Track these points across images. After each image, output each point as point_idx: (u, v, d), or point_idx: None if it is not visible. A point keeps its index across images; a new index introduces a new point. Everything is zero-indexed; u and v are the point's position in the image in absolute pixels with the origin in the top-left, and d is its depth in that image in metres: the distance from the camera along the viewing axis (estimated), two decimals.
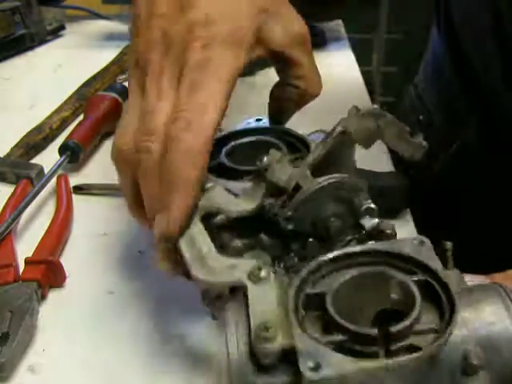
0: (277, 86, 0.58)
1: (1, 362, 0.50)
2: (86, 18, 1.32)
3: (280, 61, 0.55)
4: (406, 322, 0.34)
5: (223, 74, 0.47)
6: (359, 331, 0.34)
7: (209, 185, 0.47)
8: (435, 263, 0.39)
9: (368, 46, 2.00)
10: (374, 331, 0.34)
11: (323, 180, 0.45)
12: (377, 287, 0.38)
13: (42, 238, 0.64)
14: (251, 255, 0.47)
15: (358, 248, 0.41)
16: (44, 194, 0.73)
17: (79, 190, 0.75)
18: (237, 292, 0.40)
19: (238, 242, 0.47)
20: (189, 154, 0.44)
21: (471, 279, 0.42)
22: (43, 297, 0.59)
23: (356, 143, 0.49)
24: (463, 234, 0.83)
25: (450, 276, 0.38)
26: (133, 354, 0.54)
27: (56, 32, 1.22)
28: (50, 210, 0.71)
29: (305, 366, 0.33)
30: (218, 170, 0.53)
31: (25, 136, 0.83)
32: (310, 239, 0.46)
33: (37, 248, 0.63)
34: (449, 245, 0.40)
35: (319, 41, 1.17)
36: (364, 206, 0.46)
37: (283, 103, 0.57)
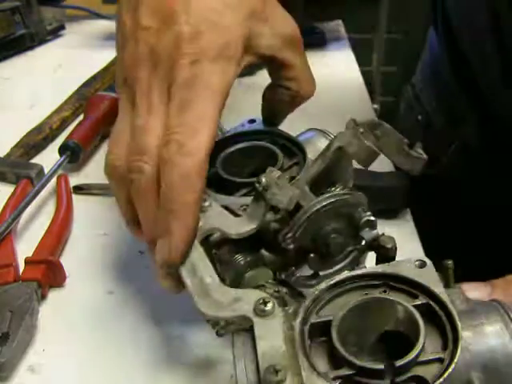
0: (269, 87, 0.57)
1: (1, 361, 0.50)
2: (86, 17, 1.32)
3: (271, 63, 0.54)
4: (411, 356, 0.34)
5: (213, 92, 0.46)
6: (366, 366, 0.35)
7: (206, 203, 0.47)
8: (437, 285, 0.38)
9: (368, 46, 2.00)
10: (381, 366, 0.34)
11: (323, 199, 0.44)
12: (380, 313, 0.39)
13: (42, 238, 0.64)
14: (254, 273, 0.46)
15: (359, 272, 0.41)
16: (44, 194, 0.73)
17: (79, 190, 0.75)
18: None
19: (240, 260, 0.46)
20: (186, 178, 0.44)
21: (471, 287, 0.42)
22: (43, 297, 0.59)
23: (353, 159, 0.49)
24: (463, 234, 0.84)
25: (452, 295, 0.38)
26: (133, 353, 0.54)
27: (56, 32, 1.22)
28: (50, 209, 0.71)
29: None
30: (214, 181, 0.52)
31: (25, 136, 0.83)
32: (311, 255, 0.46)
33: (37, 248, 0.63)
34: (450, 264, 0.40)
35: (319, 41, 1.17)
36: (364, 219, 0.46)
37: (276, 105, 0.57)
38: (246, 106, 0.93)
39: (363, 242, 0.47)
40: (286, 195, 0.44)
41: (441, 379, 0.34)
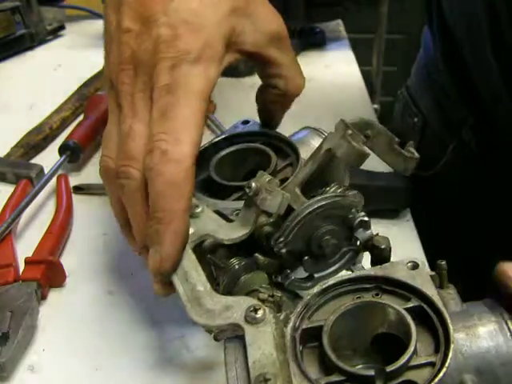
0: (260, 89, 0.57)
1: (1, 361, 0.50)
2: (86, 17, 1.32)
3: (257, 60, 0.54)
4: (402, 361, 0.34)
5: (194, 95, 0.46)
6: (356, 372, 0.35)
7: (199, 209, 0.47)
8: (429, 287, 0.38)
9: (368, 46, 2.00)
10: (371, 372, 0.34)
11: (314, 202, 0.44)
12: (372, 317, 0.39)
13: (42, 238, 0.64)
14: (249, 277, 0.46)
15: (351, 275, 0.41)
16: (44, 194, 0.73)
17: (79, 190, 0.75)
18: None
19: (235, 264, 0.46)
20: (172, 186, 0.44)
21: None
22: (43, 297, 0.59)
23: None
24: (463, 234, 0.84)
25: (445, 297, 0.38)
26: (132, 354, 0.54)
27: (56, 32, 1.22)
28: (50, 209, 0.71)
29: None
30: (207, 185, 0.52)
31: (25, 136, 0.83)
32: (306, 257, 0.46)
33: (37, 248, 0.63)
34: (443, 264, 0.40)
35: (319, 41, 1.17)
36: (357, 220, 0.46)
37: (268, 106, 0.57)
38: (246, 106, 0.93)
39: (358, 243, 0.47)
40: (276, 200, 0.44)
41: (433, 382, 0.33)
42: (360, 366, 0.39)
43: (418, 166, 0.48)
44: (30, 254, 0.61)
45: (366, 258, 0.48)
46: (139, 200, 0.46)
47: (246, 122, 0.58)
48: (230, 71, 1.03)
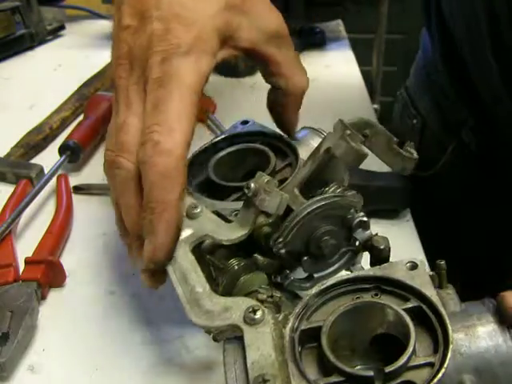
0: (268, 92, 0.57)
1: (1, 361, 0.50)
2: (86, 17, 1.32)
3: (255, 58, 0.53)
4: (401, 361, 0.34)
5: (186, 87, 0.47)
6: (355, 373, 0.35)
7: (197, 210, 0.47)
8: (428, 287, 0.38)
9: (368, 46, 1.99)
10: (370, 373, 0.34)
11: (313, 202, 0.44)
12: (371, 317, 0.38)
13: (42, 238, 0.64)
14: (248, 277, 0.46)
15: (350, 276, 0.41)
16: (44, 194, 0.73)
17: (79, 190, 0.75)
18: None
19: (234, 264, 0.46)
20: (165, 177, 0.44)
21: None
22: (43, 297, 0.59)
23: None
24: (463, 234, 0.84)
25: (445, 297, 0.38)
26: (132, 353, 0.54)
27: (56, 32, 1.22)
28: (50, 209, 0.71)
29: None
30: (206, 185, 0.52)
31: (25, 136, 0.83)
32: (305, 257, 0.46)
33: (37, 248, 0.63)
34: (443, 264, 0.40)
35: (319, 41, 1.17)
36: (356, 220, 0.46)
37: (276, 109, 0.56)
38: (247, 106, 0.93)
39: (357, 243, 0.47)
40: (274, 200, 0.44)
41: (432, 383, 0.33)
42: (359, 367, 0.39)
43: (418, 167, 0.48)
44: (30, 254, 0.61)
45: (366, 258, 0.48)
46: (131, 191, 0.47)
47: (245, 122, 0.58)
48: (230, 71, 1.03)
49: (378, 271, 0.40)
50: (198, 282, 0.43)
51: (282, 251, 0.44)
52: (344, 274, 0.46)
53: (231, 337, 0.39)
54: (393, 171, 0.68)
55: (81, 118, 0.87)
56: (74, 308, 0.59)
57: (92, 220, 0.70)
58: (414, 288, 0.38)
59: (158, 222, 0.44)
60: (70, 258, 0.64)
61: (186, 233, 0.46)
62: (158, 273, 0.46)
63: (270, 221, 0.45)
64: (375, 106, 1.69)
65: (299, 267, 0.47)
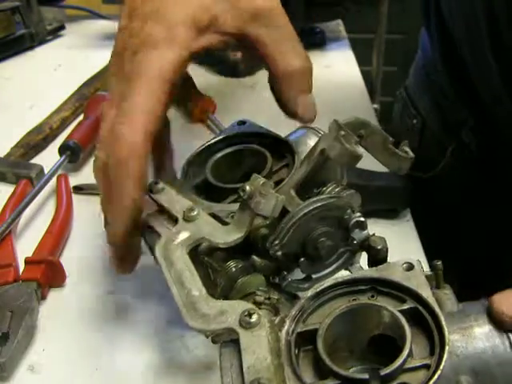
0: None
1: (1, 361, 0.50)
2: (86, 17, 1.32)
3: (245, 43, 0.51)
4: (397, 364, 0.34)
5: (148, 79, 0.47)
6: (351, 376, 0.35)
7: (194, 213, 0.47)
8: (425, 289, 0.38)
9: (368, 46, 1.99)
10: (365, 376, 0.34)
11: (309, 204, 0.44)
12: (367, 319, 0.38)
13: (42, 238, 0.64)
14: (246, 279, 0.46)
15: (346, 278, 0.41)
16: (44, 194, 0.73)
17: (79, 190, 0.75)
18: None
19: (231, 266, 0.46)
20: (120, 166, 0.46)
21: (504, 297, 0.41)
22: (43, 297, 0.59)
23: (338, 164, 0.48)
24: (463, 235, 0.84)
25: (442, 297, 0.38)
26: (132, 353, 0.54)
27: (56, 32, 1.22)
28: (49, 209, 0.71)
29: None
30: (204, 187, 0.52)
31: (25, 136, 0.83)
32: (302, 259, 0.46)
33: (37, 248, 0.63)
34: (439, 264, 0.40)
35: (319, 41, 1.17)
36: (353, 220, 0.46)
37: (276, 96, 0.53)
38: (247, 106, 0.93)
39: (355, 243, 0.46)
40: (270, 203, 0.43)
41: None
42: (355, 369, 0.39)
43: (418, 168, 0.48)
44: (30, 254, 0.61)
45: (364, 258, 0.48)
46: (100, 180, 0.50)
47: (241, 123, 0.58)
48: (230, 71, 1.03)
49: (374, 273, 0.40)
50: (195, 285, 0.43)
51: (279, 253, 0.44)
52: (342, 274, 0.46)
53: (228, 340, 0.39)
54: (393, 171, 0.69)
55: (81, 117, 0.87)
56: (73, 308, 0.59)
57: (92, 220, 0.70)
58: (410, 289, 0.38)
59: (113, 212, 0.48)
60: (70, 258, 0.64)
61: (182, 235, 0.46)
62: (126, 260, 0.50)
63: (267, 222, 0.45)
64: (375, 105, 1.69)
65: (297, 268, 0.47)
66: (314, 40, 1.16)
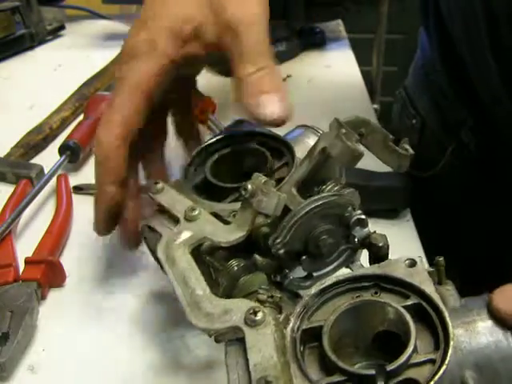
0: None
1: (1, 361, 0.50)
2: (86, 17, 1.32)
3: (223, 56, 0.52)
4: (402, 359, 0.34)
5: (129, 87, 0.52)
6: (357, 372, 0.35)
7: (196, 212, 0.47)
8: (428, 284, 0.38)
9: (368, 46, 1.99)
10: (372, 372, 0.34)
11: (310, 202, 0.44)
12: (372, 315, 0.38)
13: (42, 238, 0.64)
14: (248, 278, 0.46)
15: (349, 275, 0.41)
16: (44, 194, 0.73)
17: (79, 190, 0.75)
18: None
19: (233, 265, 0.46)
20: (100, 164, 0.52)
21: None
22: (43, 297, 0.59)
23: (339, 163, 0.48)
24: (463, 234, 0.84)
25: (444, 293, 0.38)
26: (133, 354, 0.54)
27: (56, 32, 1.22)
28: (50, 209, 0.71)
29: None
30: (204, 187, 0.52)
31: (25, 136, 0.83)
32: (304, 257, 0.46)
33: (37, 248, 0.63)
34: (441, 260, 0.40)
35: (319, 41, 1.17)
36: (354, 218, 0.46)
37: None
38: None
39: (355, 241, 0.46)
40: (272, 201, 0.43)
41: (432, 382, 0.33)
42: (361, 365, 0.39)
43: (418, 167, 0.48)
44: (30, 254, 0.61)
45: (365, 256, 0.48)
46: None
47: (240, 122, 0.58)
48: (230, 71, 1.03)
49: (377, 269, 0.40)
50: (198, 284, 0.43)
51: (281, 251, 0.44)
52: (343, 272, 0.46)
53: (233, 338, 0.39)
54: (392, 171, 0.69)
55: (81, 117, 0.87)
56: (73, 308, 0.59)
57: (92, 220, 0.70)
58: (413, 285, 0.38)
59: (95, 205, 0.54)
60: (70, 258, 0.64)
61: (184, 235, 0.46)
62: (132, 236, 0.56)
63: (269, 221, 0.45)
64: (375, 105, 1.69)
65: (298, 266, 0.47)
66: (313, 40, 1.16)
